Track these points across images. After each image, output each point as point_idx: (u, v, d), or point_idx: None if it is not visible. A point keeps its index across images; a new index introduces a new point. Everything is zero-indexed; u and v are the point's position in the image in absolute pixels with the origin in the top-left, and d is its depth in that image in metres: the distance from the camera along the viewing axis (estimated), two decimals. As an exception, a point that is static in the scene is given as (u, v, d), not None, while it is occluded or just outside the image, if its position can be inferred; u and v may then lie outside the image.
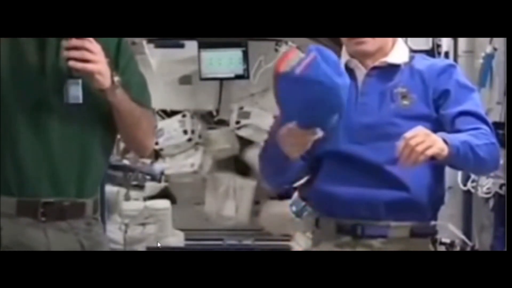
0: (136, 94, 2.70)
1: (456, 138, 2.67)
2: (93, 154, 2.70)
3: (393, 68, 2.88)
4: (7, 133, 2.60)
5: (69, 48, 2.54)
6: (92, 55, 2.54)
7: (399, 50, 2.91)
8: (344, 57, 2.92)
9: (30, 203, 2.62)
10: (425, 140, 2.58)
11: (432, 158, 2.63)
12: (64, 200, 2.64)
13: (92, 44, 2.55)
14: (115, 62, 2.66)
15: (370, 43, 2.84)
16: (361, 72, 2.89)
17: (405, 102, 2.83)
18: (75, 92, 2.56)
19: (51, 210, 2.63)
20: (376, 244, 2.80)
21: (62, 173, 2.64)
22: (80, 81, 2.56)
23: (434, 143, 2.60)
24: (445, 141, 2.63)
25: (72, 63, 2.54)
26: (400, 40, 2.94)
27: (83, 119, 2.65)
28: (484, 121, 2.81)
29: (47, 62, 2.63)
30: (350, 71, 2.89)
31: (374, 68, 2.88)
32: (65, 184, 2.65)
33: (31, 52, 2.62)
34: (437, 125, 2.81)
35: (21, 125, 2.60)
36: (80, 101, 2.57)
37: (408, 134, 2.58)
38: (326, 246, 2.84)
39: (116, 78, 2.60)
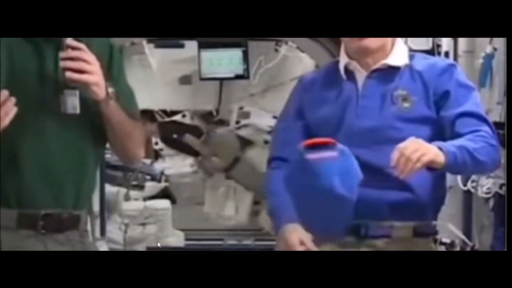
0: (127, 105, 2.68)
1: (452, 145, 2.67)
2: (88, 165, 2.68)
3: (393, 70, 2.87)
4: (6, 145, 2.54)
5: (66, 59, 2.51)
6: (89, 66, 2.52)
7: (399, 51, 2.90)
8: (343, 58, 2.92)
9: (30, 216, 2.59)
10: (419, 148, 2.59)
11: (430, 168, 2.64)
12: (62, 212, 2.62)
13: (88, 54, 2.52)
14: (108, 72, 2.63)
15: (372, 39, 2.83)
16: (361, 75, 2.88)
17: (406, 104, 2.82)
18: (72, 103, 2.53)
19: (50, 222, 2.60)
20: (380, 244, 2.80)
21: (61, 184, 2.62)
22: (77, 92, 2.54)
23: (428, 150, 2.60)
24: (440, 149, 2.63)
25: (69, 74, 2.51)
26: (399, 40, 2.94)
27: (79, 129, 2.63)
28: (485, 121, 2.81)
29: (46, 71, 2.59)
30: (349, 73, 2.90)
31: (375, 70, 2.87)
32: (64, 195, 2.63)
33: (29, 60, 2.59)
34: (438, 127, 2.81)
35: (20, 137, 2.56)
36: (78, 111, 2.54)
37: (401, 145, 2.59)
38: (330, 246, 2.82)
39: (110, 89, 2.59)
